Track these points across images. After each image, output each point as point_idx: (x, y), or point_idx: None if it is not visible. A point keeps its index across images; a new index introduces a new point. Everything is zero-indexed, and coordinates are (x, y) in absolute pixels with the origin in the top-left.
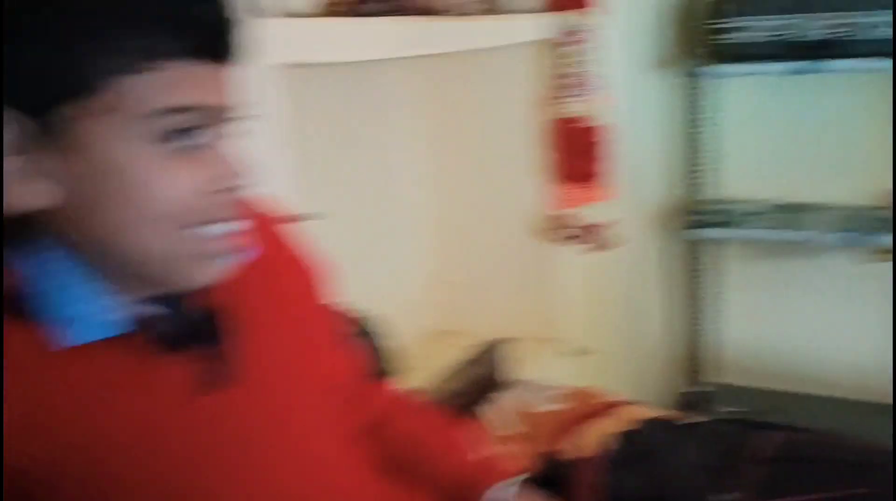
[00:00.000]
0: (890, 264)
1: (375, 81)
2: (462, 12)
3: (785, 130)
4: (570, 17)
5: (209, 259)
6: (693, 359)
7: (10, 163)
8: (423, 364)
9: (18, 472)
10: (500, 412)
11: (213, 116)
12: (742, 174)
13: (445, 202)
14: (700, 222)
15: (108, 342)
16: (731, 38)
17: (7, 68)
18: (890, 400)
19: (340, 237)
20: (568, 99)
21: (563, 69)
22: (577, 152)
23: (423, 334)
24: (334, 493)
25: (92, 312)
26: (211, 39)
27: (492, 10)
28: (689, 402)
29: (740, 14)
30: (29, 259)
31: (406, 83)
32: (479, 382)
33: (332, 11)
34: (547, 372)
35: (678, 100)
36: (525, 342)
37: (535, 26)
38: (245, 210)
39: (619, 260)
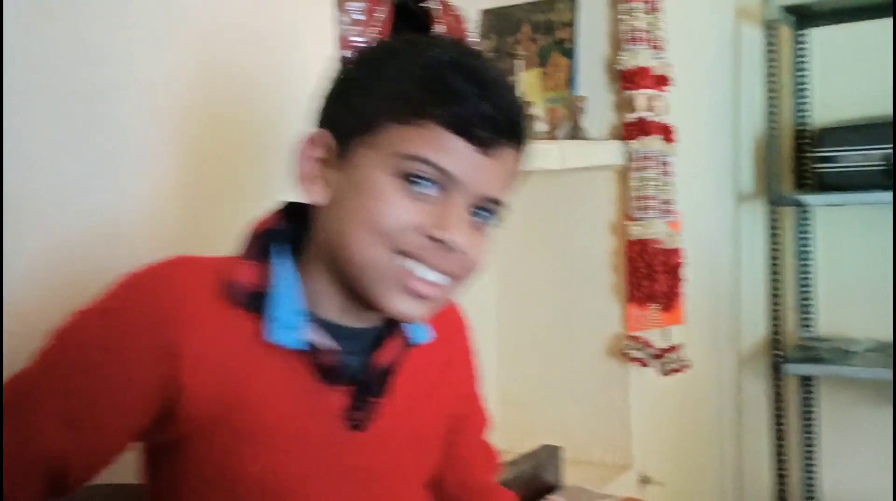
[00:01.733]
0: None
1: None
2: (537, 138)
3: (884, 264)
4: (647, 143)
5: (408, 294)
6: None
7: (317, 167)
8: None
9: (194, 402)
10: None
11: (449, 180)
12: (841, 310)
13: (520, 320)
14: (793, 358)
15: (297, 351)
16: (827, 168)
17: (331, 107)
18: None
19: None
20: (644, 222)
21: (637, 193)
22: (649, 275)
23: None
24: None
25: (290, 321)
26: (470, 122)
27: (574, 136)
28: None
29: (836, 144)
30: (270, 262)
31: None
32: (528, 480)
33: None
34: (615, 495)
35: (777, 232)
36: (589, 461)
37: (613, 151)
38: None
39: (701, 390)
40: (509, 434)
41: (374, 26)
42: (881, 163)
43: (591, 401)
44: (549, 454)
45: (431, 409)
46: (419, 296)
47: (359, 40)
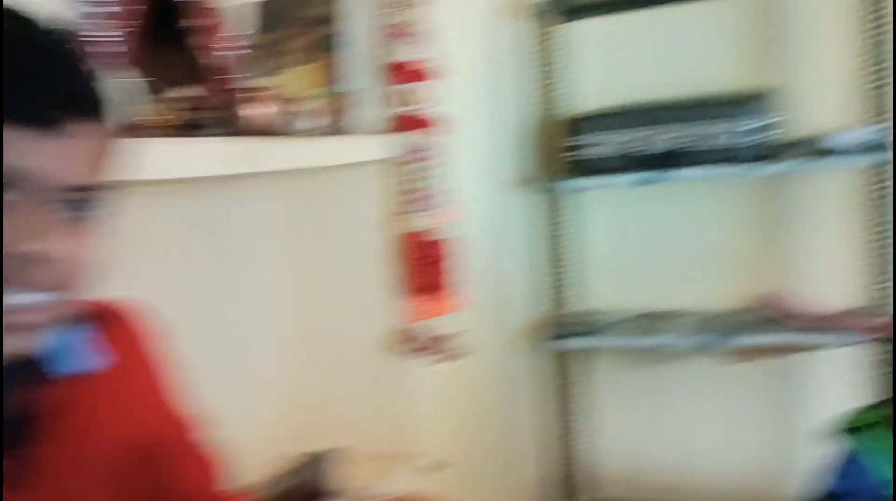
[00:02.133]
0: (751, 366)
1: (226, 199)
2: (305, 134)
3: (643, 240)
4: (413, 137)
5: (11, 331)
6: (566, 472)
7: None
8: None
9: None
10: None
11: (23, 179)
12: (605, 285)
13: (298, 321)
14: (565, 333)
15: None
16: (584, 154)
17: None
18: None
19: (189, 354)
20: (416, 214)
21: (409, 186)
22: (424, 266)
23: (276, 453)
24: None
25: None
26: (26, 103)
27: (336, 131)
28: None
29: (592, 131)
30: None
31: (257, 201)
32: (298, 492)
33: (163, 131)
34: (401, 487)
35: (540, 215)
36: (375, 457)
37: (379, 145)
38: (96, 310)
39: (482, 373)
40: (301, 437)
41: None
42: (634, 148)
43: (377, 396)
44: (319, 461)
45: (106, 445)
46: (18, 328)
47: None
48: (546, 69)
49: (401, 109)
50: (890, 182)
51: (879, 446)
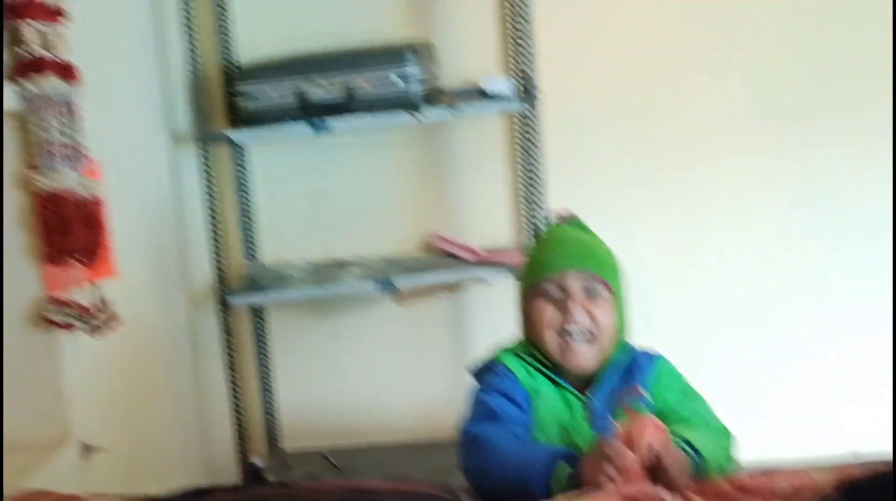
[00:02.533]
0: (424, 306)
1: None
2: None
3: (313, 190)
4: (45, 83)
5: None
6: (251, 428)
7: None
8: None
9: None
10: None
11: None
12: (279, 238)
13: None
14: (241, 289)
15: None
16: (248, 105)
17: None
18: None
19: None
20: (52, 172)
21: (43, 139)
22: (67, 229)
23: None
24: None
25: None
26: None
27: None
28: (253, 473)
29: (255, 81)
30: None
31: None
32: None
33: None
34: (55, 477)
35: (207, 168)
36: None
37: (8, 94)
38: None
39: (150, 341)
40: None
41: None
42: (297, 98)
43: (21, 376)
44: None
45: None
46: None
47: None
48: (207, 19)
49: (24, 52)
50: (537, 127)
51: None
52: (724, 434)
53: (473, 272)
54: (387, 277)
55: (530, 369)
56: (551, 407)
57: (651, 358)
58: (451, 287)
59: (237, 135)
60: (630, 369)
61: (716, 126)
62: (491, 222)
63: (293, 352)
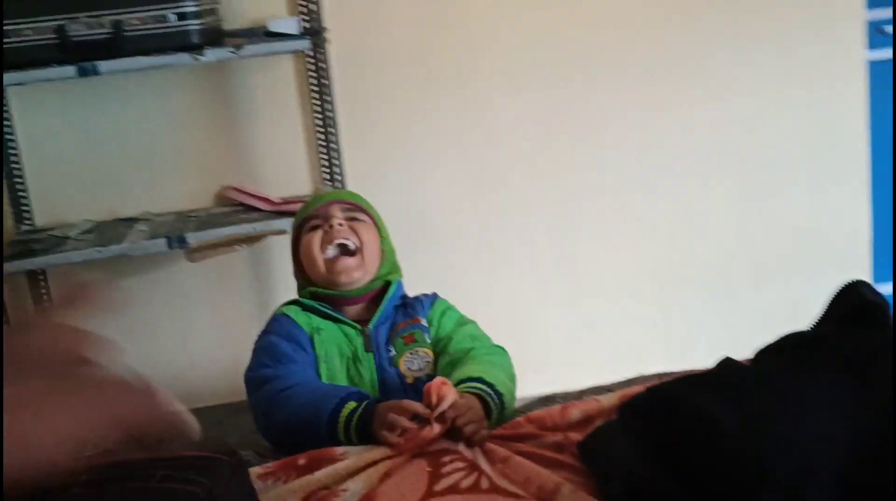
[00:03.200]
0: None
1: None
2: None
3: (87, 142)
4: None
5: None
6: None
7: None
8: None
9: None
10: None
11: None
12: (55, 197)
13: None
14: (10, 255)
15: None
16: (8, 44)
17: None
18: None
19: None
20: None
21: None
22: None
23: None
24: None
25: None
26: None
27: None
28: None
29: (14, 16)
30: None
31: None
32: None
33: None
34: None
35: None
36: None
37: None
38: None
39: None
40: None
41: None
42: (54, 36)
43: None
44: None
45: None
46: None
47: None
48: None
49: None
50: (326, 68)
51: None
52: (503, 355)
53: (271, 223)
54: (177, 233)
55: (309, 313)
56: (333, 342)
57: (428, 296)
58: (249, 239)
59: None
60: (406, 303)
61: (500, 64)
62: (286, 169)
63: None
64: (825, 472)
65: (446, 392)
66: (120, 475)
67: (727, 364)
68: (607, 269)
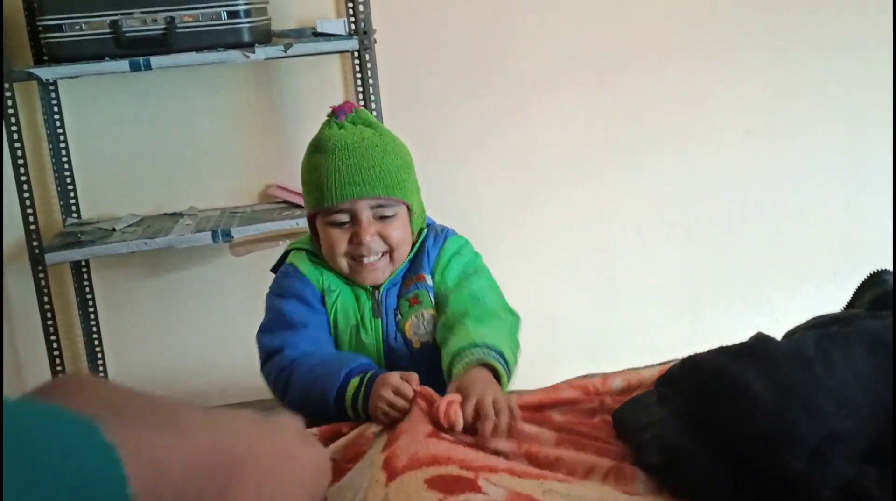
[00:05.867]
0: (258, 260)
1: None
2: None
3: (141, 139)
4: None
5: None
6: None
7: None
8: None
9: None
10: None
11: None
12: (101, 190)
13: None
14: (55, 247)
15: None
16: (59, 38)
17: None
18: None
19: None
20: None
21: None
22: None
23: None
24: None
25: None
26: None
27: None
28: None
29: (65, 11)
30: None
31: None
32: None
33: None
34: None
35: (18, 112)
36: None
37: None
38: None
39: None
40: None
41: None
42: (109, 31)
43: None
44: None
45: None
46: None
47: None
48: None
49: None
50: (372, 69)
51: None
52: (499, 319)
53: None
54: (221, 227)
55: (321, 268)
56: (342, 303)
57: (439, 236)
58: (292, 235)
59: (48, 72)
60: (416, 256)
61: (542, 65)
62: None
63: (122, 314)
64: (849, 439)
65: (454, 417)
66: None
67: (760, 337)
68: (643, 273)
